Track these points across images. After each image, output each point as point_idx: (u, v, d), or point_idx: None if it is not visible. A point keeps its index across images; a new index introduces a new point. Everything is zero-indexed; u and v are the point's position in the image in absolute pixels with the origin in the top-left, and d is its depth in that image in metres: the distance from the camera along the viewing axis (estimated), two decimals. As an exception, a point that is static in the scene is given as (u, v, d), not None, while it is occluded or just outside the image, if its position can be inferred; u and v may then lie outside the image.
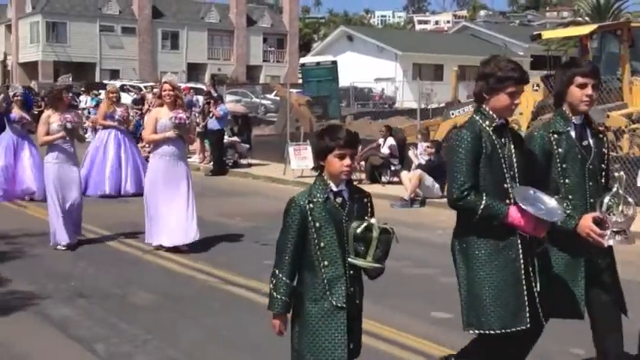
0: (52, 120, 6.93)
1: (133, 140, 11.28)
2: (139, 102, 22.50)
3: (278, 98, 33.84)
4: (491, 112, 3.09)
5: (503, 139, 3.09)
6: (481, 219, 3.01)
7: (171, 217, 6.72)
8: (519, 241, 3.07)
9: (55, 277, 5.98)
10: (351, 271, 2.82)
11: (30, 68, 45.35)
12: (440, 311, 5.15)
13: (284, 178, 12.75)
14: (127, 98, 27.14)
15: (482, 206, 2.99)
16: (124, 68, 44.59)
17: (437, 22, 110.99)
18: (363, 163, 12.12)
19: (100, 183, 10.56)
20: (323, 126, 18.37)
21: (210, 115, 14.02)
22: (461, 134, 3.07)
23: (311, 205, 2.82)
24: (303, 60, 23.65)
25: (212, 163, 14.09)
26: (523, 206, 2.95)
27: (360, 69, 37.08)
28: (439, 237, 8.09)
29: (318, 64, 21.43)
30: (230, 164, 14.00)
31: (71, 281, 5.85)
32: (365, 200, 2.93)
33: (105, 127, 10.88)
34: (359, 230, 2.74)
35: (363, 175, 12.10)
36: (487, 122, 3.07)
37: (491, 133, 3.06)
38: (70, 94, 7.31)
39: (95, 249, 7.18)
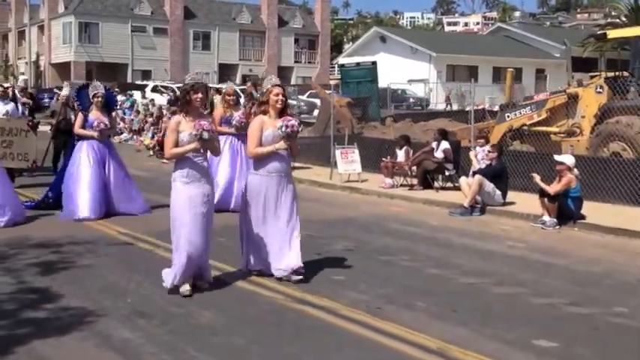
0: (183, 127, 5.42)
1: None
2: (174, 103, 22.20)
3: (311, 100, 33.47)
4: None
5: None
6: None
7: (277, 243, 5.79)
8: None
9: (109, 293, 5.51)
10: None
11: (62, 69, 45.56)
12: (542, 339, 4.55)
13: (331, 183, 12.22)
14: (160, 99, 26.95)
15: None
16: (155, 69, 44.59)
17: (466, 24, 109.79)
18: (414, 167, 11.54)
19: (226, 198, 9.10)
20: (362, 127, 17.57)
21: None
22: None
23: None
24: (342, 61, 23.18)
25: (253, 166, 13.61)
26: None
27: (394, 70, 36.41)
28: (511, 249, 7.51)
29: (357, 64, 20.98)
30: (272, 167, 13.47)
31: (127, 297, 5.37)
32: None
33: (220, 134, 9.34)
34: None
35: (415, 181, 11.52)
36: None
37: None
38: (199, 95, 5.42)
39: (148, 261, 6.69)
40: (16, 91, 13.05)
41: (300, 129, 5.76)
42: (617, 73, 11.74)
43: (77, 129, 8.87)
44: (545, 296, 5.59)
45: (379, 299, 5.39)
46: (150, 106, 23.10)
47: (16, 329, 4.66)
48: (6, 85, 13.04)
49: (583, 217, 8.74)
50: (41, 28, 48.84)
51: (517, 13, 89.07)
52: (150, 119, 20.81)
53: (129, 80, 42.15)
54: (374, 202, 10.79)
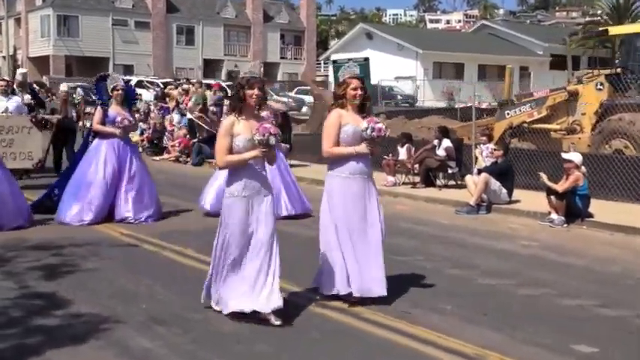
0: (237, 130, 4.60)
1: (283, 151, 9.05)
2: (162, 99, 21.83)
3: (299, 96, 33.19)
4: None
5: None
6: None
7: (366, 259, 4.98)
8: None
9: (120, 298, 5.25)
10: None
11: (41, 63, 44.58)
12: (581, 343, 4.39)
13: (330, 181, 11.99)
14: (147, 95, 26.47)
15: None
16: (137, 64, 43.85)
17: (448, 22, 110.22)
18: (417, 165, 11.38)
19: None
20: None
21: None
22: None
23: None
24: (333, 57, 22.95)
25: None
26: None
27: (380, 67, 36.24)
28: (524, 248, 7.39)
29: (349, 60, 20.72)
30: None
31: (140, 303, 5.11)
32: None
33: None
34: None
35: (417, 179, 11.36)
36: None
37: None
38: (255, 91, 4.67)
39: (155, 263, 6.45)
40: (15, 87, 12.15)
41: (387, 133, 4.98)
42: (617, 70, 11.67)
43: (97, 125, 8.05)
44: (572, 297, 5.45)
45: (404, 302, 5.20)
46: (137, 102, 22.59)
47: (27, 338, 4.39)
48: (7, 78, 12.19)
49: (591, 216, 8.64)
50: (18, 21, 47.71)
51: (501, 11, 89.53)
52: (137, 115, 20.37)
53: (111, 75, 41.42)
54: (375, 201, 10.61)
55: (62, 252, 6.68)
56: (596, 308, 5.19)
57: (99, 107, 8.16)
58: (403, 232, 8.10)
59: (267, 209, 4.65)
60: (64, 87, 12.74)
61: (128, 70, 42.65)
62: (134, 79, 33.49)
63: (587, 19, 55.93)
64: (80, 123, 13.35)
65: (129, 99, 8.42)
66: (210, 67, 46.65)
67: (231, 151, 4.59)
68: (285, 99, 27.29)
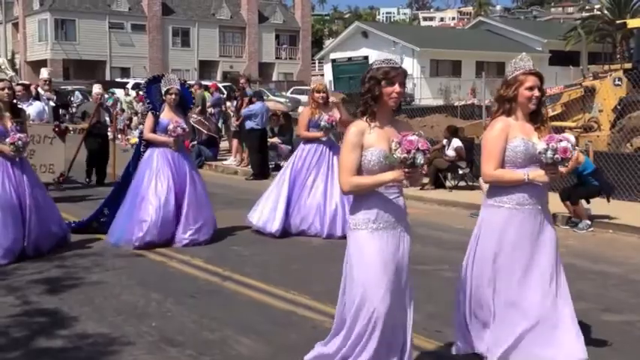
0: (370, 141, 3.30)
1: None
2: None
3: (294, 96, 32.86)
4: None
5: None
6: None
7: (536, 313, 3.64)
8: None
9: (128, 315, 4.90)
10: None
11: (39, 67, 44.11)
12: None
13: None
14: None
15: None
16: (134, 66, 43.58)
17: (442, 19, 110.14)
18: (425, 166, 11.03)
19: (304, 221, 7.40)
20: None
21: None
22: None
23: None
24: (333, 55, 22.69)
25: (250, 165, 13.03)
26: None
27: (378, 65, 35.93)
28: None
29: (349, 59, 20.49)
30: (272, 167, 12.92)
31: (150, 320, 4.76)
32: None
33: (308, 141, 7.46)
34: None
35: (426, 180, 11.02)
36: None
37: None
38: (396, 87, 3.30)
39: (163, 275, 6.08)
40: (39, 89, 11.37)
41: (575, 153, 3.57)
42: (634, 64, 11.34)
43: (148, 134, 7.07)
44: (617, 312, 5.10)
45: (432, 320, 4.84)
46: (135, 104, 22.27)
47: (30, 363, 4.04)
48: (26, 82, 11.35)
49: (612, 190, 8.39)
50: (16, 25, 47.51)
51: (498, 7, 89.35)
52: (135, 117, 20.05)
53: (107, 78, 41.17)
54: (385, 203, 10.27)
55: (65, 263, 6.33)
56: (646, 325, 4.84)
57: (149, 113, 7.20)
58: (420, 238, 7.71)
59: (404, 253, 3.42)
60: (97, 89, 11.59)
61: (125, 72, 42.41)
62: (131, 82, 33.26)
63: (585, 14, 55.94)
64: (111, 129, 12.56)
65: (185, 104, 7.28)
66: (206, 68, 46.35)
67: (360, 169, 3.31)
68: (282, 99, 27.01)
